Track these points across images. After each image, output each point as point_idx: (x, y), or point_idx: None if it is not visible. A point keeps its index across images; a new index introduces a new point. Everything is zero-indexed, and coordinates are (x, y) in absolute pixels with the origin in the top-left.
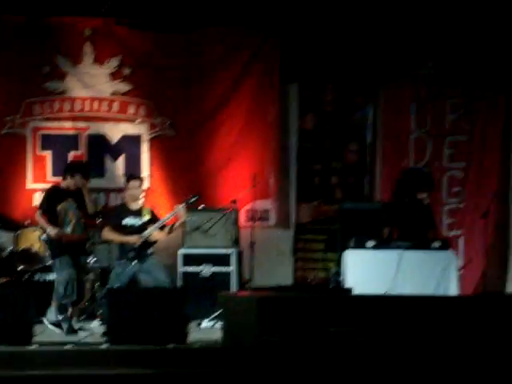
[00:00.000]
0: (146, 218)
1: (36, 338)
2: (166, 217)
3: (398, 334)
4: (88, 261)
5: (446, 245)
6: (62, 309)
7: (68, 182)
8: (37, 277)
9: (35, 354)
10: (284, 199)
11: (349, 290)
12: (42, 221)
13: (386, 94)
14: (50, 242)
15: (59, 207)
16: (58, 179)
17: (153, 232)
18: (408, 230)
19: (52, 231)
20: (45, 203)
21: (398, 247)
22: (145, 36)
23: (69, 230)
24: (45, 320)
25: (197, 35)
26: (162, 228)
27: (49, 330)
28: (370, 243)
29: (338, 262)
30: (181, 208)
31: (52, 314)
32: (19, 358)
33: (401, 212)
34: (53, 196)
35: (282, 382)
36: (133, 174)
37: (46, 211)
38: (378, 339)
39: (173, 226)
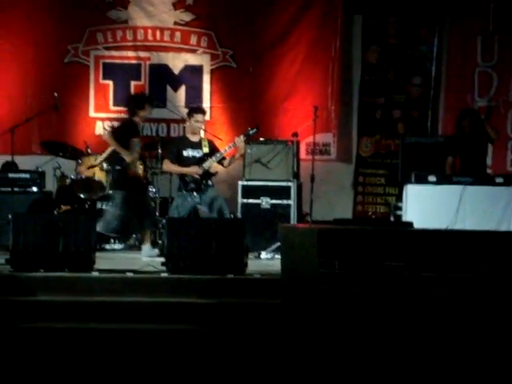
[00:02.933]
0: (206, 149)
1: (97, 265)
2: (225, 149)
3: (458, 269)
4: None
5: (510, 180)
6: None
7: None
8: (98, 205)
9: (96, 280)
10: (345, 133)
11: (409, 224)
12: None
13: (451, 27)
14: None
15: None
16: (120, 109)
17: (212, 164)
18: (471, 161)
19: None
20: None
21: (460, 182)
22: None
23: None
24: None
25: None
26: (221, 160)
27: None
28: (432, 178)
29: (399, 197)
30: (240, 140)
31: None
32: (81, 285)
33: (464, 143)
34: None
35: (340, 314)
36: (198, 106)
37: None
38: (438, 274)
39: (232, 158)
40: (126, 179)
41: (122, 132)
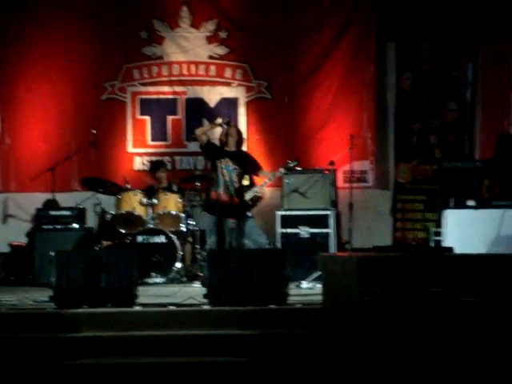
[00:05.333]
0: (246, 182)
1: (139, 300)
2: (264, 181)
3: (501, 293)
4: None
5: None
6: None
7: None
8: (139, 239)
9: (139, 315)
10: (382, 160)
11: (450, 250)
12: None
13: (485, 51)
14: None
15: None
16: (158, 143)
17: (251, 196)
18: (510, 185)
19: None
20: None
21: (500, 206)
22: None
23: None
24: None
25: None
26: (251, 199)
27: (152, 292)
28: (471, 202)
29: (438, 222)
30: (278, 173)
31: None
32: (124, 320)
33: (503, 167)
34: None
35: (383, 341)
36: None
37: None
38: (479, 299)
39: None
40: None
41: None
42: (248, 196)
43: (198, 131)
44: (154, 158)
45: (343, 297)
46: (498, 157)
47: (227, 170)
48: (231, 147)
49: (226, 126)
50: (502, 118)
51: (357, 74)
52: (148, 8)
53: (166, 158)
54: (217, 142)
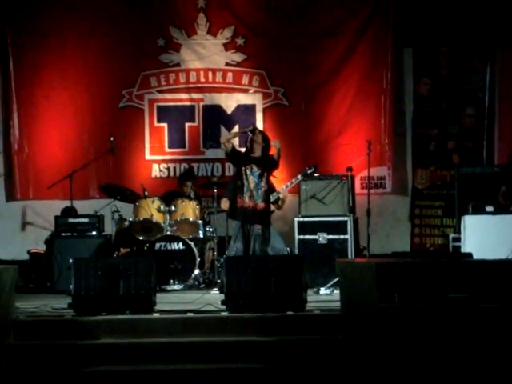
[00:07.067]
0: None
1: (157, 307)
2: (282, 188)
3: None
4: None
5: None
6: None
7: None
8: (157, 246)
9: (157, 321)
10: (400, 165)
11: (468, 255)
12: None
13: (503, 56)
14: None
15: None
16: (175, 150)
17: (274, 198)
18: None
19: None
20: None
21: None
22: (257, 4)
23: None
24: None
25: (311, 2)
26: (275, 201)
27: (170, 299)
28: (489, 208)
29: (457, 228)
30: (295, 180)
31: None
32: (142, 326)
33: None
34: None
35: (401, 348)
36: None
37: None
38: (498, 305)
39: (283, 200)
40: None
41: None
42: (272, 198)
43: (223, 139)
44: (172, 166)
45: (362, 303)
46: None
47: (253, 175)
48: (257, 153)
49: (250, 134)
50: None
51: (374, 80)
52: (165, 15)
53: (184, 165)
54: (240, 149)
